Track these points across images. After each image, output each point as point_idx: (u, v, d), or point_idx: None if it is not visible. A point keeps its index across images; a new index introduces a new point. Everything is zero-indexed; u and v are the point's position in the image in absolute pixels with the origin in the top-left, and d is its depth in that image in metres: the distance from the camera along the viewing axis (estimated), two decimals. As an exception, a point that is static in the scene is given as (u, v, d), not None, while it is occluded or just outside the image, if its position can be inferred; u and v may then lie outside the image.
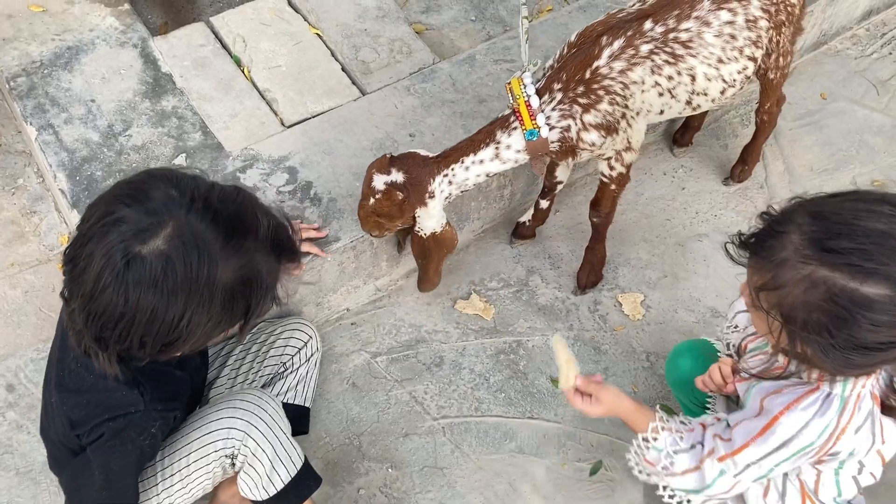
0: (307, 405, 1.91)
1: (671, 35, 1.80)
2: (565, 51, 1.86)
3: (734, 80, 1.89)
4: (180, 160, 2.15)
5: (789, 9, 1.92)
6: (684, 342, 1.95)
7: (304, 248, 1.94)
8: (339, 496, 1.94)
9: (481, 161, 1.86)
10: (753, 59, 1.90)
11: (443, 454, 2.02)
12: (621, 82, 1.82)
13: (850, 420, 1.39)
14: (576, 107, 1.83)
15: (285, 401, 1.86)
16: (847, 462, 1.51)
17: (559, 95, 1.82)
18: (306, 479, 1.72)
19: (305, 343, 1.92)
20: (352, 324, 2.22)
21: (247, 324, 1.36)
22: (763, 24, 1.86)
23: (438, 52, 2.59)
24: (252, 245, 1.28)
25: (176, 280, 1.20)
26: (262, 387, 1.87)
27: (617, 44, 1.79)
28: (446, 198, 1.88)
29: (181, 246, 1.20)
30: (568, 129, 1.85)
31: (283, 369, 1.90)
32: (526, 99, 1.81)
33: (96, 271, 1.20)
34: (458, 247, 2.39)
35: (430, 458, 2.01)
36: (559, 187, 2.25)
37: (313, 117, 2.27)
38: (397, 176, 1.80)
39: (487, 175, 1.89)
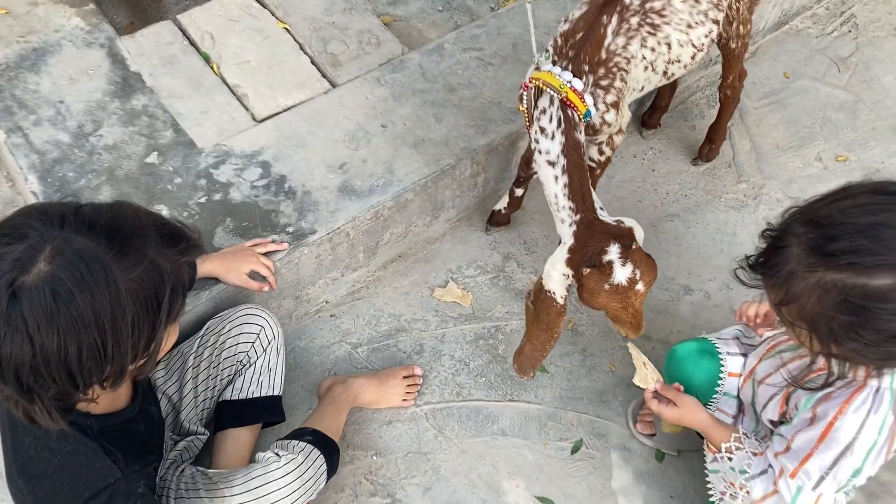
0: (277, 394, 1.90)
1: (647, 5, 1.81)
2: (562, 40, 1.79)
3: (702, 45, 1.93)
4: (152, 158, 2.15)
5: None
6: (687, 345, 1.88)
7: (262, 269, 1.93)
8: (326, 484, 1.95)
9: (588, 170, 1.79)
10: (717, 22, 1.93)
11: (426, 440, 2.04)
12: (625, 57, 1.81)
13: None
14: (599, 90, 1.79)
15: (249, 396, 1.85)
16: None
17: (590, 79, 1.77)
18: (331, 453, 1.80)
19: (257, 335, 1.87)
20: (331, 315, 2.23)
21: (164, 322, 1.25)
22: None
23: (407, 43, 2.60)
24: (140, 243, 1.21)
25: (72, 297, 1.11)
26: (224, 388, 1.85)
27: (614, 20, 1.78)
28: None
29: (66, 262, 1.11)
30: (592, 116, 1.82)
31: (240, 367, 1.86)
32: (569, 84, 1.73)
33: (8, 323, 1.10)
34: (435, 236, 2.41)
35: (413, 444, 2.03)
36: (535, 176, 2.27)
37: (285, 111, 2.27)
38: (612, 251, 1.65)
39: None
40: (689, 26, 1.88)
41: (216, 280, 1.93)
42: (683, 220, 2.46)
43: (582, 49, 1.74)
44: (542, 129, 1.74)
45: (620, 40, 1.77)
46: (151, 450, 1.55)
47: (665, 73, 1.93)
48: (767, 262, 1.32)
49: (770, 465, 1.55)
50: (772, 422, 1.63)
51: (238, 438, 1.83)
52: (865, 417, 1.39)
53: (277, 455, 1.68)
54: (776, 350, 1.69)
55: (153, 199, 2.08)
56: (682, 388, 1.76)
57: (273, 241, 1.99)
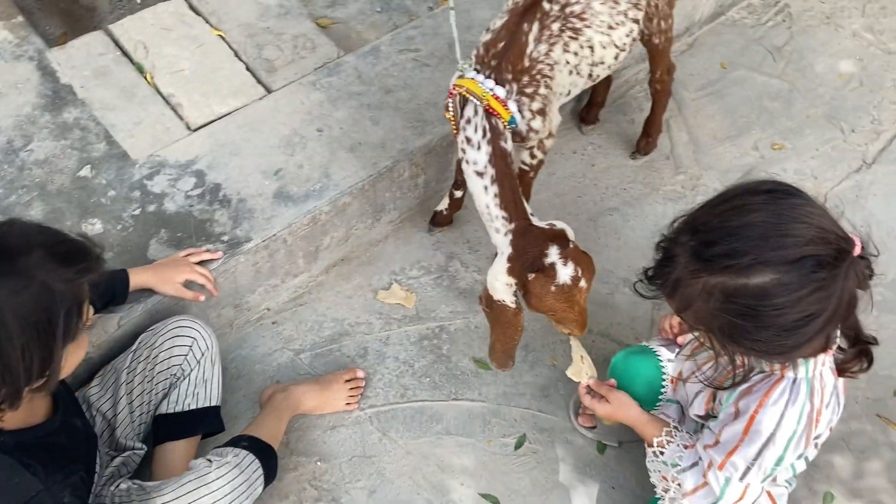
0: (214, 404, 1.90)
1: (567, 10, 1.83)
2: (485, 49, 1.80)
3: (625, 44, 1.95)
4: (85, 172, 2.13)
5: None
6: (628, 353, 1.90)
7: (198, 277, 1.92)
8: (269, 492, 1.95)
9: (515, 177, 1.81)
10: (637, 21, 1.96)
11: (371, 443, 2.05)
12: (548, 64, 1.82)
13: (822, 400, 1.43)
14: (524, 98, 1.80)
15: (186, 408, 1.83)
16: (818, 441, 1.55)
17: (515, 87, 1.78)
18: (268, 458, 1.80)
19: (190, 347, 1.84)
20: (273, 323, 2.23)
21: (60, 344, 1.25)
22: None
23: (346, 46, 2.60)
24: (28, 264, 1.20)
25: None
26: (160, 402, 1.83)
27: (535, 27, 1.79)
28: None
29: None
30: (517, 123, 1.82)
31: (175, 380, 1.84)
32: (492, 93, 1.74)
33: None
34: (378, 238, 2.42)
35: (358, 448, 2.04)
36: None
37: (219, 119, 2.26)
38: (552, 253, 1.68)
39: None
40: (611, 27, 1.90)
41: (151, 292, 1.92)
42: (622, 214, 2.49)
43: (504, 57, 1.75)
44: (469, 140, 1.75)
45: (543, 47, 1.79)
46: (76, 459, 1.53)
47: (590, 75, 1.95)
48: (660, 273, 1.35)
49: (700, 458, 1.58)
50: (699, 416, 1.66)
51: (177, 451, 1.82)
52: (784, 409, 1.41)
53: (209, 461, 1.67)
54: (696, 352, 1.72)
55: (86, 213, 2.06)
56: (615, 384, 1.79)
57: (207, 251, 1.98)
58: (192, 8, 2.52)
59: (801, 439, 1.44)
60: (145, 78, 2.34)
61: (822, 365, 1.42)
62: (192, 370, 1.86)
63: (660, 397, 1.83)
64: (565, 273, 1.66)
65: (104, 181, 2.11)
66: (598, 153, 2.63)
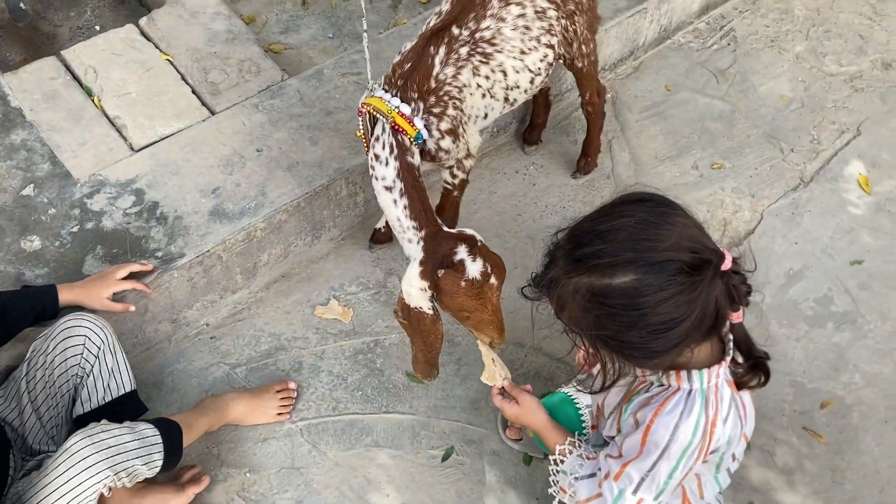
0: (129, 390, 1.91)
1: (477, 35, 1.90)
2: (395, 70, 1.86)
3: (539, 69, 2.02)
4: (28, 191, 2.19)
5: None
6: (548, 400, 1.93)
7: (125, 285, 1.97)
8: (197, 503, 1.98)
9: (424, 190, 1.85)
10: (551, 47, 2.02)
11: (300, 454, 2.08)
12: (456, 86, 1.89)
13: (717, 411, 1.44)
14: (432, 117, 1.86)
15: (101, 403, 1.87)
16: (725, 455, 1.57)
17: (421, 106, 1.84)
18: (172, 437, 1.81)
19: (83, 345, 1.84)
20: (211, 338, 2.27)
21: None
22: (552, 13, 1.99)
23: (297, 71, 2.67)
24: None
25: None
26: (70, 405, 1.86)
27: (442, 51, 1.86)
28: None
29: None
30: (425, 142, 1.88)
31: (79, 380, 1.86)
32: (397, 110, 1.80)
33: None
34: (319, 255, 2.47)
35: (287, 460, 2.07)
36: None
37: (162, 139, 2.33)
38: (461, 251, 1.72)
39: None
40: (523, 52, 1.96)
41: (82, 308, 1.97)
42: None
43: (410, 78, 1.82)
44: (377, 156, 1.82)
45: (450, 70, 1.85)
46: None
47: (507, 98, 2.02)
48: (544, 275, 1.40)
49: (599, 468, 1.60)
50: (612, 437, 1.68)
51: None
52: (679, 419, 1.43)
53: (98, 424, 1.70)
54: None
55: (26, 230, 2.12)
56: (530, 389, 1.82)
57: (139, 263, 2.03)
58: (142, 34, 2.61)
59: (696, 452, 1.46)
60: (93, 101, 2.42)
61: (717, 377, 1.44)
62: (92, 366, 1.87)
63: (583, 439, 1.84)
64: (474, 268, 1.70)
65: (46, 199, 2.18)
66: (540, 173, 2.69)
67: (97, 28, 2.87)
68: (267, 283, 2.38)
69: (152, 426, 1.78)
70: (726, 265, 1.32)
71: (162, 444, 1.77)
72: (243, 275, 2.28)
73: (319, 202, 2.30)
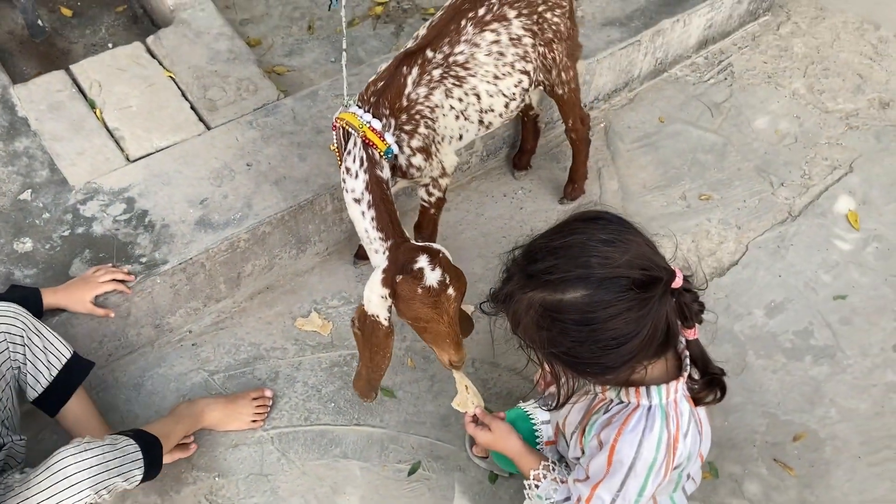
0: (68, 356, 1.92)
1: (451, 59, 1.96)
2: (368, 88, 1.93)
3: (514, 94, 2.07)
4: (26, 195, 2.29)
5: (553, 27, 2.10)
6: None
7: (107, 287, 2.05)
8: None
9: (393, 202, 1.90)
10: (526, 73, 2.07)
11: (269, 462, 2.12)
12: (428, 106, 1.94)
13: (678, 426, 1.47)
14: (403, 135, 1.92)
15: (49, 380, 1.89)
16: (683, 472, 1.59)
17: (392, 122, 1.89)
18: (152, 450, 1.85)
19: (5, 340, 1.83)
20: (193, 344, 2.33)
21: None
22: (527, 41, 2.04)
23: (297, 92, 2.75)
24: None
25: None
26: (15, 395, 1.88)
27: (415, 71, 1.93)
28: None
29: None
30: (396, 157, 1.94)
31: (17, 371, 1.88)
32: (368, 125, 1.85)
33: None
34: (304, 269, 2.53)
35: (256, 466, 2.11)
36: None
37: (157, 152, 2.42)
38: (422, 259, 1.74)
39: None
40: (497, 77, 2.02)
41: (65, 311, 2.04)
42: (544, 255, 2.57)
43: (382, 95, 1.88)
44: (348, 170, 1.87)
45: (422, 90, 1.91)
46: None
47: (482, 121, 2.07)
48: (500, 290, 1.43)
49: (570, 493, 1.61)
50: (576, 459, 1.70)
51: (72, 409, 1.94)
52: (641, 437, 1.45)
53: (82, 440, 1.74)
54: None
55: (20, 232, 2.21)
56: (503, 416, 1.83)
57: (119, 269, 2.10)
58: (148, 51, 2.72)
59: (661, 468, 1.47)
60: (95, 113, 2.52)
61: (675, 392, 1.47)
62: (24, 355, 1.88)
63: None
64: (433, 277, 1.73)
65: (41, 204, 2.27)
66: (528, 197, 2.73)
67: (110, 45, 2.99)
68: (251, 294, 2.43)
69: (134, 442, 1.82)
70: (677, 283, 1.35)
71: (143, 460, 1.81)
72: (227, 284, 2.34)
73: (304, 216, 2.37)
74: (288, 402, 2.23)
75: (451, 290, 1.75)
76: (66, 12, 3.10)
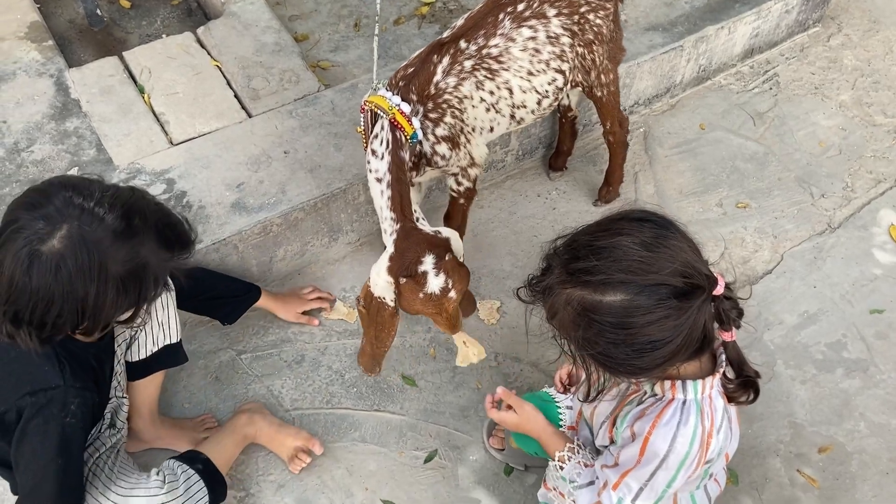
0: (174, 341, 2.01)
1: (484, 51, 1.99)
2: (398, 74, 1.97)
3: (547, 91, 2.08)
4: (73, 173, 2.38)
5: (595, 28, 2.10)
6: (528, 398, 1.92)
7: (314, 304, 2.38)
8: (186, 476, 2.07)
9: (413, 186, 1.96)
10: (561, 72, 2.08)
11: (289, 441, 2.16)
12: (456, 97, 1.97)
13: (712, 422, 1.47)
14: (428, 122, 1.95)
15: (149, 353, 1.97)
16: (710, 469, 1.59)
17: (420, 109, 1.92)
18: (214, 482, 1.93)
19: None
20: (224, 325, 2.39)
21: (140, 306, 1.59)
22: (565, 40, 2.05)
23: (338, 86, 2.81)
24: (139, 241, 1.51)
25: (70, 274, 1.44)
26: (127, 350, 1.97)
27: (445, 61, 1.95)
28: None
29: (73, 246, 1.44)
30: (421, 144, 1.97)
31: (133, 331, 1.95)
32: (398, 107, 1.88)
33: (9, 271, 1.44)
34: (335, 257, 2.57)
35: (276, 445, 2.15)
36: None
37: (199, 136, 2.49)
38: (428, 261, 1.79)
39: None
40: (531, 73, 2.03)
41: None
42: (574, 255, 2.56)
43: (411, 80, 1.91)
44: (374, 152, 1.91)
45: (451, 80, 1.94)
46: (96, 381, 1.75)
47: (513, 116, 2.08)
48: (538, 280, 1.44)
49: (597, 477, 1.61)
50: (604, 446, 1.69)
51: (144, 387, 2.02)
52: (676, 430, 1.45)
53: (162, 480, 1.84)
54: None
55: (64, 207, 2.29)
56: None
57: (321, 297, 2.40)
58: (198, 41, 2.80)
59: (693, 462, 1.47)
60: (143, 98, 2.61)
61: (711, 388, 1.47)
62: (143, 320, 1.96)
63: None
64: (435, 283, 1.77)
65: (97, 176, 2.34)
66: (562, 198, 2.73)
67: (163, 36, 3.09)
68: (282, 279, 2.48)
69: (204, 487, 1.90)
70: (718, 290, 1.36)
71: (207, 491, 1.90)
72: (259, 268, 2.40)
73: (337, 205, 2.41)
74: (311, 385, 2.27)
75: (452, 294, 1.80)
76: (125, 3, 3.22)
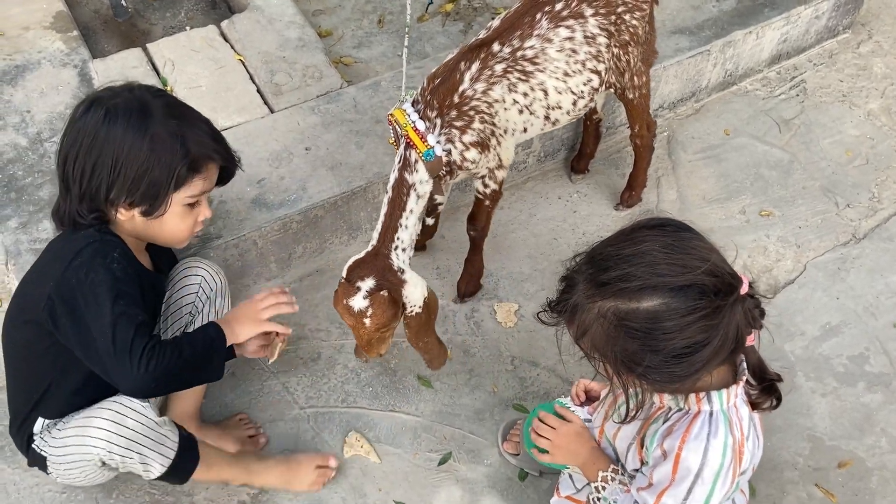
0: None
1: (518, 53, 1.96)
2: (426, 84, 1.96)
3: (582, 92, 2.06)
4: (94, 164, 2.38)
5: (631, 30, 2.08)
6: (543, 408, 1.90)
7: (269, 326, 1.92)
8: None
9: (411, 211, 1.92)
10: (597, 73, 2.06)
11: (304, 439, 2.15)
12: (485, 102, 1.95)
13: (742, 431, 1.46)
14: (454, 130, 1.94)
15: None
16: (744, 478, 1.56)
17: (438, 122, 1.92)
18: (184, 462, 1.82)
19: (199, 284, 2.02)
20: (240, 319, 2.38)
21: (168, 186, 1.69)
22: (602, 40, 2.03)
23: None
24: (189, 125, 1.72)
25: (115, 123, 1.65)
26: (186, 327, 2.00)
27: (474, 67, 1.94)
28: (408, 260, 1.95)
29: (127, 102, 1.68)
30: (450, 152, 1.96)
31: (190, 318, 2.01)
32: (412, 124, 1.90)
33: (74, 124, 1.69)
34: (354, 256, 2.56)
35: (290, 443, 2.14)
36: (440, 207, 2.41)
37: (221, 131, 2.47)
38: (367, 283, 1.84)
39: (419, 217, 1.97)
40: (567, 74, 2.01)
41: None
42: (594, 259, 2.54)
43: (435, 94, 1.91)
44: (397, 163, 1.95)
45: (480, 86, 1.92)
46: (145, 298, 1.77)
47: (548, 117, 2.06)
48: (561, 301, 1.42)
49: (636, 501, 1.58)
50: (636, 470, 1.67)
51: (189, 395, 2.03)
52: (707, 442, 1.43)
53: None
54: (615, 407, 1.71)
55: (86, 198, 2.30)
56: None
57: (283, 292, 1.94)
58: (221, 34, 2.80)
59: (728, 474, 1.45)
60: (166, 90, 2.60)
61: (735, 397, 1.45)
62: (203, 306, 2.04)
63: None
64: (359, 302, 1.84)
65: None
66: (583, 201, 2.71)
67: (187, 29, 3.09)
68: (301, 276, 2.48)
69: (177, 443, 1.79)
70: (744, 289, 1.35)
71: (168, 465, 1.78)
72: (278, 264, 2.39)
73: (357, 203, 2.40)
74: (327, 384, 2.26)
75: (367, 321, 1.85)
76: (150, -5, 3.23)
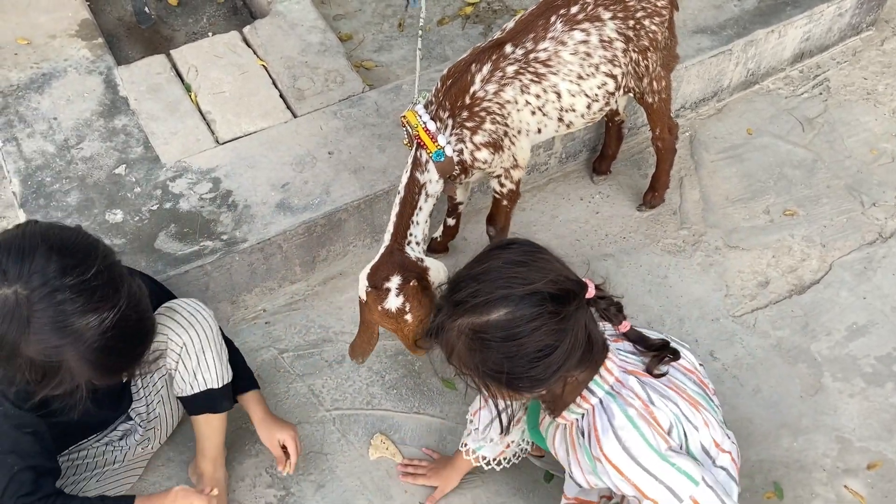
0: (216, 386, 1.89)
1: (531, 56, 1.97)
2: (439, 85, 1.99)
3: (596, 95, 2.06)
4: (120, 170, 2.41)
5: (650, 35, 2.08)
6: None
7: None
8: (229, 473, 2.09)
9: (421, 209, 1.97)
10: (612, 77, 2.06)
11: (329, 441, 2.16)
12: (497, 103, 1.97)
13: (639, 396, 1.52)
14: (465, 131, 1.96)
15: (189, 392, 1.89)
16: (688, 441, 1.57)
17: (449, 122, 1.94)
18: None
19: (166, 342, 1.83)
20: (266, 323, 2.40)
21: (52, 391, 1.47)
22: (619, 45, 2.03)
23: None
24: (72, 340, 1.41)
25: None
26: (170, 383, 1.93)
27: (485, 68, 1.95)
28: (422, 252, 1.98)
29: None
30: (461, 152, 1.98)
31: (170, 368, 1.88)
32: (423, 125, 1.93)
33: None
34: (377, 259, 2.57)
35: (317, 445, 2.16)
36: (461, 207, 2.41)
37: (245, 136, 2.51)
38: (394, 280, 1.87)
39: (429, 215, 2.00)
40: (580, 77, 2.01)
41: None
42: (617, 260, 2.54)
43: (447, 95, 1.93)
44: (409, 163, 1.97)
45: (491, 87, 1.94)
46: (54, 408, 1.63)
47: (561, 119, 2.07)
48: (432, 325, 1.50)
49: None
50: (609, 489, 1.66)
51: (204, 427, 1.95)
52: (612, 429, 1.51)
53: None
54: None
55: (112, 204, 2.33)
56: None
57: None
58: (244, 40, 2.82)
59: (657, 438, 1.50)
60: (190, 96, 2.63)
61: (610, 374, 1.53)
62: (177, 362, 1.87)
63: None
64: (394, 302, 1.85)
65: (133, 179, 2.39)
66: (605, 202, 2.71)
67: (210, 34, 3.12)
68: (325, 279, 2.49)
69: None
70: (590, 293, 1.46)
71: None
72: (302, 267, 2.41)
73: (380, 206, 2.41)
74: (352, 386, 2.27)
75: (408, 317, 1.86)
76: (172, 1, 3.25)
